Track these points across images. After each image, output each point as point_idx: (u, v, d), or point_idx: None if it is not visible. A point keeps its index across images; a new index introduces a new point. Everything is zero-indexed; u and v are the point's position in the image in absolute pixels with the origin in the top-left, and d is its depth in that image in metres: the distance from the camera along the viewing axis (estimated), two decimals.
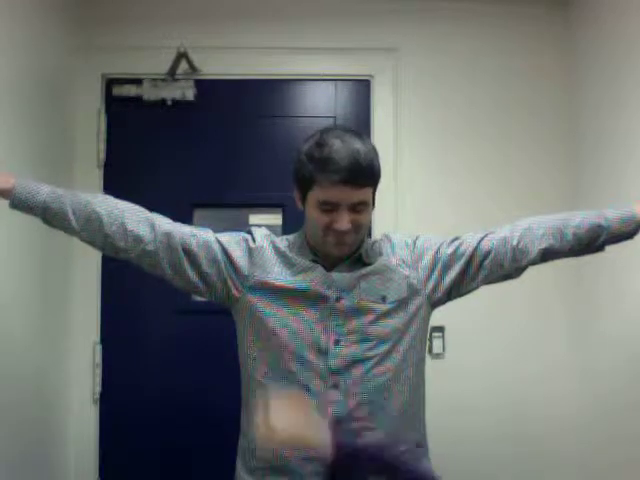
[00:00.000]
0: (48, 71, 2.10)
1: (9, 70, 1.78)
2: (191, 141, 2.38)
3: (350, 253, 1.45)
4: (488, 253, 1.47)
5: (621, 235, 1.46)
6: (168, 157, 2.37)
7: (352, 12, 2.39)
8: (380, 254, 1.48)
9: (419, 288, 1.47)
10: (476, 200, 2.36)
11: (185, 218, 2.27)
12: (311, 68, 2.41)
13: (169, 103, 2.34)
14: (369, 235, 1.59)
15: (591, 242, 1.47)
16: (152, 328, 2.33)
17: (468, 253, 1.48)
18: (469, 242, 1.49)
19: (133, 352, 2.31)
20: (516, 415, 2.30)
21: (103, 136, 2.33)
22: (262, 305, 1.43)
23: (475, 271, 1.48)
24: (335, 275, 1.43)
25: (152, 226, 1.43)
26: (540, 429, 2.30)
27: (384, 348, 1.41)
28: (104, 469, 2.28)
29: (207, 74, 2.36)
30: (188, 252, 1.44)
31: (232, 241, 1.48)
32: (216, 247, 1.46)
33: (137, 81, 2.34)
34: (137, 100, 2.34)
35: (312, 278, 1.43)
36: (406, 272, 1.46)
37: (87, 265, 2.27)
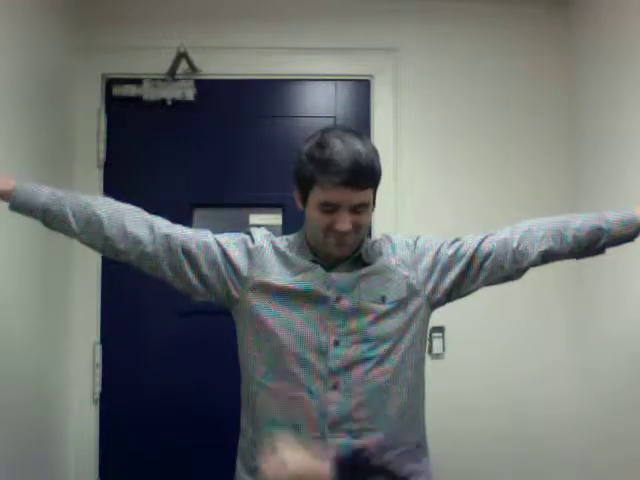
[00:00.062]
0: (48, 71, 2.10)
1: (9, 70, 1.78)
2: (191, 141, 2.37)
3: (350, 253, 1.45)
4: (488, 255, 1.47)
5: (622, 238, 1.46)
6: (168, 157, 2.37)
7: (352, 12, 2.39)
8: (380, 254, 1.48)
9: (419, 289, 1.47)
10: (476, 200, 2.36)
11: (185, 218, 2.29)
12: (311, 68, 2.41)
13: (169, 103, 2.34)
14: (369, 235, 1.59)
15: (591, 244, 1.46)
16: (152, 328, 2.33)
17: (468, 254, 1.47)
18: (469, 243, 1.49)
19: (133, 352, 2.31)
20: (516, 415, 2.30)
21: (103, 136, 2.33)
22: (262, 306, 1.43)
23: (475, 272, 1.48)
24: (335, 275, 1.43)
25: (152, 228, 1.43)
26: (540, 429, 2.30)
27: (383, 349, 1.41)
28: (104, 469, 2.28)
29: (207, 74, 2.36)
30: (188, 254, 1.44)
31: (231, 242, 1.48)
32: (215, 249, 1.46)
33: (137, 81, 2.34)
34: (137, 100, 2.34)
35: (312, 278, 1.43)
36: (406, 273, 1.46)
37: (87, 265, 2.27)
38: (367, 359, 1.40)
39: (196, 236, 1.47)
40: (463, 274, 1.48)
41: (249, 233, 1.51)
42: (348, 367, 1.40)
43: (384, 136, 2.35)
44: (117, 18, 2.36)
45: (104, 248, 1.44)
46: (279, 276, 1.44)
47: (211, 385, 2.25)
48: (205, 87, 2.37)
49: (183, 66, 2.31)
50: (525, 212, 2.29)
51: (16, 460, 1.79)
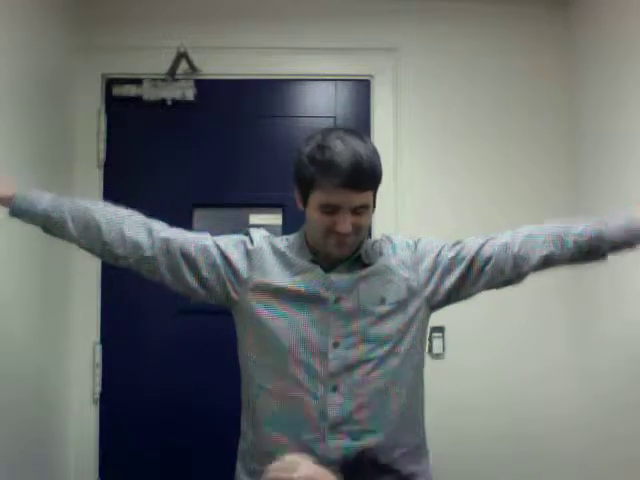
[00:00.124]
0: (48, 71, 2.10)
1: (9, 70, 1.78)
2: (191, 141, 2.37)
3: (350, 254, 1.45)
4: (489, 259, 1.46)
5: (623, 245, 1.44)
6: (168, 157, 2.37)
7: (352, 12, 2.39)
8: (380, 254, 1.48)
9: (418, 290, 1.46)
10: (476, 200, 2.36)
11: (185, 218, 2.30)
12: (311, 68, 2.41)
13: (169, 103, 2.34)
14: (369, 235, 1.59)
15: (592, 251, 1.45)
16: (152, 328, 2.33)
17: (469, 258, 1.47)
18: (470, 247, 1.48)
19: (133, 352, 2.31)
20: (516, 415, 2.30)
21: (103, 136, 2.33)
22: (261, 307, 1.43)
23: (476, 276, 1.47)
24: (334, 277, 1.43)
25: (150, 232, 1.44)
26: (540, 429, 2.30)
27: (383, 350, 1.41)
28: (104, 469, 2.28)
29: (207, 74, 2.36)
30: (187, 257, 1.44)
31: (230, 244, 1.48)
32: (214, 251, 1.46)
33: (137, 81, 2.34)
34: (137, 100, 2.34)
35: (311, 279, 1.43)
36: (406, 274, 1.46)
37: (87, 265, 2.26)
38: (367, 361, 1.40)
39: (195, 239, 1.47)
40: (463, 277, 1.47)
41: (248, 234, 1.51)
42: (348, 369, 1.39)
43: (384, 136, 2.35)
44: (117, 18, 2.36)
45: (103, 253, 1.45)
46: (278, 277, 1.44)
47: (211, 385, 2.25)
48: (205, 87, 2.37)
49: (183, 66, 2.31)
50: (525, 212, 2.32)
51: (16, 460, 1.79)
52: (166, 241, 1.43)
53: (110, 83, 2.36)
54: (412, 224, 2.31)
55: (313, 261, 1.45)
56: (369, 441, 1.38)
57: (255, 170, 2.37)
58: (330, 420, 1.38)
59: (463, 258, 1.47)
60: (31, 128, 1.93)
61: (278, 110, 2.41)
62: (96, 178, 2.32)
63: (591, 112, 2.24)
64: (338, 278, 1.43)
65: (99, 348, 2.30)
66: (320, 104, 2.42)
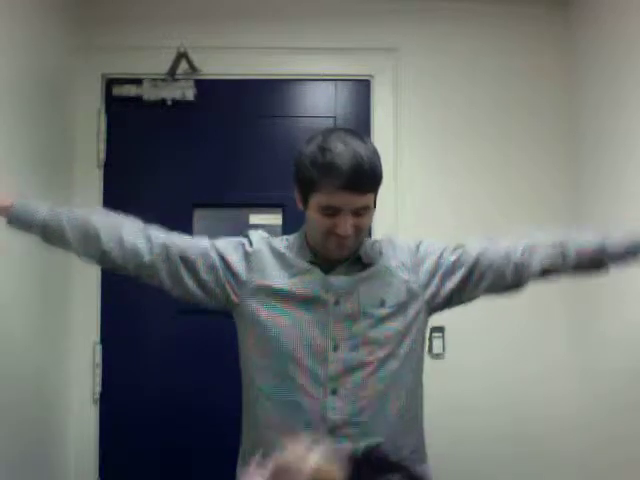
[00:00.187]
0: (48, 71, 2.10)
1: (9, 70, 1.78)
2: (191, 141, 2.37)
3: (350, 255, 1.45)
4: (491, 263, 1.45)
5: (625, 260, 1.43)
6: (168, 157, 2.37)
7: (352, 12, 2.39)
8: (380, 254, 1.48)
9: (418, 293, 1.46)
10: (476, 200, 2.36)
11: (185, 218, 2.30)
12: (311, 68, 2.41)
13: (169, 103, 2.34)
14: (369, 235, 1.59)
15: (594, 264, 1.44)
16: (152, 328, 2.33)
17: (471, 261, 1.46)
18: (472, 250, 1.47)
19: (133, 352, 2.31)
20: (516, 415, 2.30)
21: (103, 136, 2.33)
22: (261, 309, 1.43)
23: (477, 280, 1.46)
24: (333, 278, 1.42)
25: (148, 238, 1.44)
26: (540, 429, 2.30)
27: (383, 353, 1.41)
28: (104, 469, 2.28)
29: (207, 74, 2.36)
30: (186, 261, 1.44)
31: (229, 247, 1.48)
32: (213, 254, 1.45)
33: (137, 81, 2.34)
34: (137, 100, 2.34)
35: (310, 281, 1.42)
36: (406, 276, 1.45)
37: (87, 265, 2.25)
38: (367, 363, 1.40)
39: (193, 243, 1.47)
40: (465, 280, 1.46)
41: (247, 236, 1.51)
42: (347, 372, 1.39)
43: (384, 136, 2.34)
44: (117, 18, 2.35)
45: (102, 261, 1.45)
46: (278, 279, 1.44)
47: (211, 385, 2.25)
48: (205, 87, 2.37)
49: (183, 66, 2.31)
50: (525, 212, 2.32)
51: (16, 460, 1.79)
52: (165, 247, 1.43)
53: (110, 83, 2.35)
54: (412, 224, 2.31)
55: (313, 262, 1.45)
56: (369, 444, 1.38)
57: (255, 170, 2.37)
58: (330, 423, 1.38)
59: (465, 261, 1.46)
60: (31, 128, 1.93)
61: (278, 110, 2.41)
62: (96, 178, 2.32)
63: (591, 112, 2.24)
64: (337, 279, 1.42)
65: (99, 348, 2.30)
66: (320, 104, 2.42)
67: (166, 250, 1.43)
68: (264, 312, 1.42)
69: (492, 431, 2.27)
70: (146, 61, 2.34)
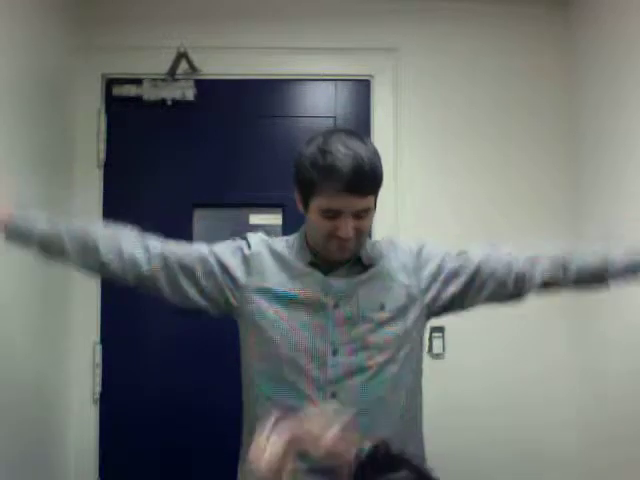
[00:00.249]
0: (48, 71, 2.10)
1: (9, 70, 1.77)
2: (191, 141, 2.37)
3: (350, 256, 1.44)
4: (493, 272, 1.44)
5: (626, 278, 1.43)
6: (168, 157, 2.37)
7: (352, 12, 2.39)
8: (381, 255, 1.47)
9: (418, 297, 1.45)
10: (476, 200, 2.36)
11: (185, 218, 2.30)
12: (311, 68, 2.41)
13: (169, 103, 2.34)
14: (369, 236, 1.58)
15: (594, 281, 1.44)
16: (152, 328, 2.33)
17: (472, 269, 1.45)
18: (474, 257, 1.46)
19: (133, 352, 2.31)
20: (516, 415, 2.29)
21: (103, 136, 2.33)
22: (261, 313, 1.42)
23: (479, 287, 1.46)
24: (333, 280, 1.42)
25: (147, 248, 1.43)
26: (540, 429, 2.29)
27: (383, 357, 1.40)
28: (104, 469, 2.28)
29: (207, 74, 2.36)
30: (184, 268, 1.44)
31: (227, 251, 1.47)
32: (212, 259, 1.45)
33: (137, 81, 2.34)
34: (137, 100, 2.34)
35: (310, 284, 1.42)
36: (406, 280, 1.45)
37: None
38: (366, 368, 1.39)
39: (192, 250, 1.47)
40: (466, 286, 1.46)
41: (245, 239, 1.50)
42: (347, 376, 1.39)
43: (384, 136, 2.34)
44: (117, 18, 2.35)
45: (101, 273, 1.46)
46: (277, 281, 1.43)
47: (211, 385, 2.25)
48: (205, 87, 2.37)
49: (183, 66, 2.31)
50: (525, 212, 2.32)
51: (16, 460, 1.79)
52: (163, 256, 1.43)
53: (110, 83, 2.35)
54: (412, 224, 2.31)
55: (313, 263, 1.44)
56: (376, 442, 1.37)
57: (255, 170, 2.37)
58: None
59: (467, 267, 1.45)
60: (31, 128, 1.93)
61: (278, 110, 2.41)
62: (96, 178, 2.32)
63: (591, 112, 2.24)
64: (337, 282, 1.42)
65: (99, 348, 2.29)
66: (320, 104, 2.42)
67: (164, 259, 1.43)
68: (263, 315, 1.42)
69: (492, 431, 2.27)
70: (146, 61, 2.34)
